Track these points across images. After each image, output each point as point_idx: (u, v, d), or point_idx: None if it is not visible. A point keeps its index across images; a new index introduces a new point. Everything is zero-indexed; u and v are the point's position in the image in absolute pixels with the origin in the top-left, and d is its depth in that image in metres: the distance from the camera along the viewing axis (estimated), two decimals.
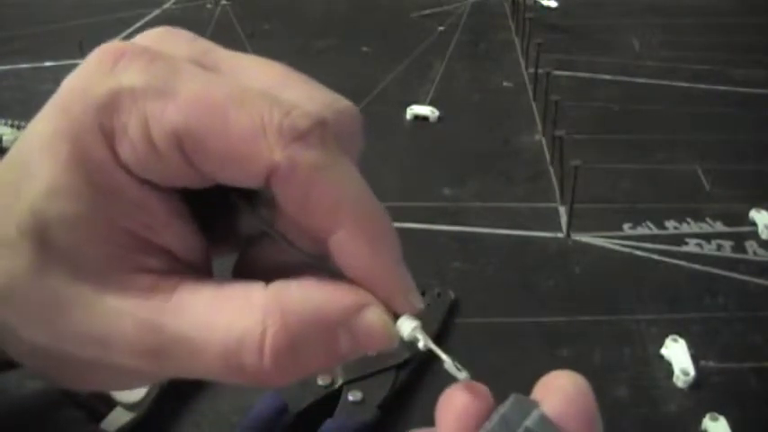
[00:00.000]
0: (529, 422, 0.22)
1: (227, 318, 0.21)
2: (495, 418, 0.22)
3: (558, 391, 0.24)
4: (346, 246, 0.22)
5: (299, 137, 0.21)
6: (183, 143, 0.21)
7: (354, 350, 0.22)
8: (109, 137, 0.21)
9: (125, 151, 0.21)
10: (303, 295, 0.22)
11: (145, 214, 0.22)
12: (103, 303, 0.21)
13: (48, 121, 0.21)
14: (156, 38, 0.23)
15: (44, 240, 0.21)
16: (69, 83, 0.22)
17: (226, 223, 0.25)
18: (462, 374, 0.23)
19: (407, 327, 0.23)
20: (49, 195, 0.21)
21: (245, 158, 0.21)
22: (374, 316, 0.22)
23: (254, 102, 0.21)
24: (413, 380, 0.45)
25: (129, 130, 0.21)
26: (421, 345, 0.23)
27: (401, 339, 0.23)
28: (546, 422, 0.22)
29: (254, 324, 0.21)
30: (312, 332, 0.21)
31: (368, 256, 0.22)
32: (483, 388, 0.23)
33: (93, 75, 0.21)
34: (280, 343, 0.21)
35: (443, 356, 0.23)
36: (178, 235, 0.22)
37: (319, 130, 0.21)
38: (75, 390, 0.35)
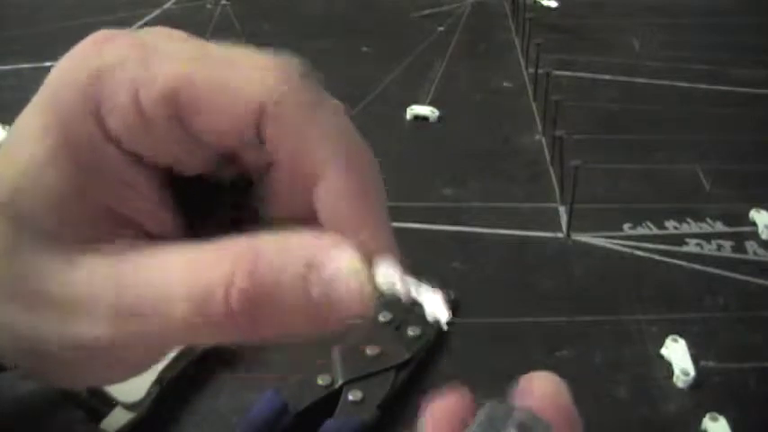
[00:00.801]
0: (521, 416, 0.21)
1: (197, 268, 0.21)
2: (481, 416, 0.21)
3: (536, 391, 0.24)
4: (333, 191, 0.22)
5: (289, 79, 0.22)
6: (173, 103, 0.21)
7: (327, 296, 0.21)
8: (96, 111, 0.21)
9: (113, 122, 0.21)
10: (275, 240, 0.21)
11: (128, 191, 0.22)
12: (76, 270, 0.21)
13: (35, 107, 0.22)
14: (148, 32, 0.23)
15: (20, 216, 0.21)
16: (57, 69, 0.22)
17: (210, 213, 0.25)
18: (444, 315, 0.22)
19: (386, 271, 0.22)
20: (28, 172, 0.21)
21: (236, 103, 0.21)
22: (345, 255, 0.21)
23: (242, 55, 0.22)
24: (413, 380, 0.45)
25: (117, 98, 0.21)
26: (399, 287, 0.22)
27: (380, 292, 0.22)
28: (536, 416, 0.22)
29: (222, 272, 0.20)
30: (282, 275, 0.21)
31: (354, 201, 0.22)
32: (465, 391, 0.23)
33: (81, 59, 0.22)
34: (248, 287, 0.20)
35: (424, 296, 0.22)
36: (158, 217, 0.23)
37: (308, 76, 0.23)
38: (61, 385, 0.34)
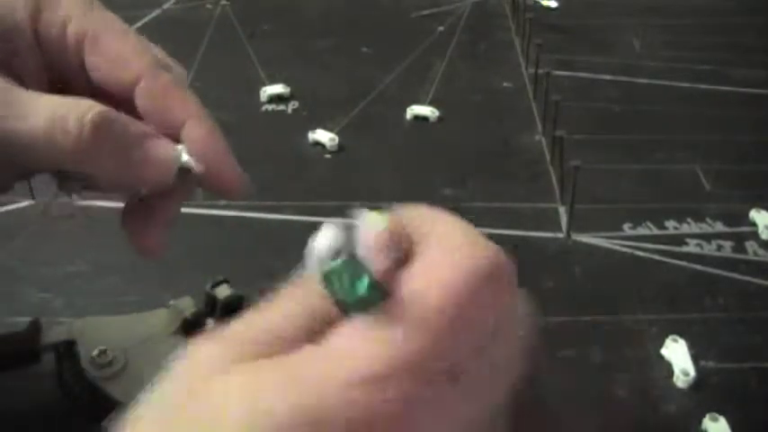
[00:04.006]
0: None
1: (64, 102, 0.30)
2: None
3: (441, 238, 0.24)
4: (193, 130, 0.33)
5: (163, 65, 0.34)
6: (86, 42, 0.32)
7: (145, 155, 0.31)
8: (36, 10, 0.32)
9: (43, 25, 0.32)
10: (128, 116, 0.32)
11: (26, 59, 0.32)
12: None
13: None
14: None
15: None
16: None
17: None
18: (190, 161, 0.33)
19: (185, 154, 0.32)
20: None
21: (124, 68, 0.32)
22: (168, 142, 0.32)
23: (138, 37, 0.34)
24: None
25: (54, 12, 0.32)
26: (185, 158, 0.32)
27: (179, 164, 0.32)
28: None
29: (83, 106, 0.30)
30: (124, 129, 0.31)
31: (208, 137, 0.33)
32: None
33: None
34: (100, 120, 0.29)
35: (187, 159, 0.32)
36: (40, 80, 0.33)
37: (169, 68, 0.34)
38: None
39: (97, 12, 0.33)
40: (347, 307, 0.21)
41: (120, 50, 0.32)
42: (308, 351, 0.21)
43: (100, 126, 0.29)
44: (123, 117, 0.31)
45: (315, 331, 0.21)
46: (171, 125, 0.32)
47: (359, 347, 0.20)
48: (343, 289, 0.21)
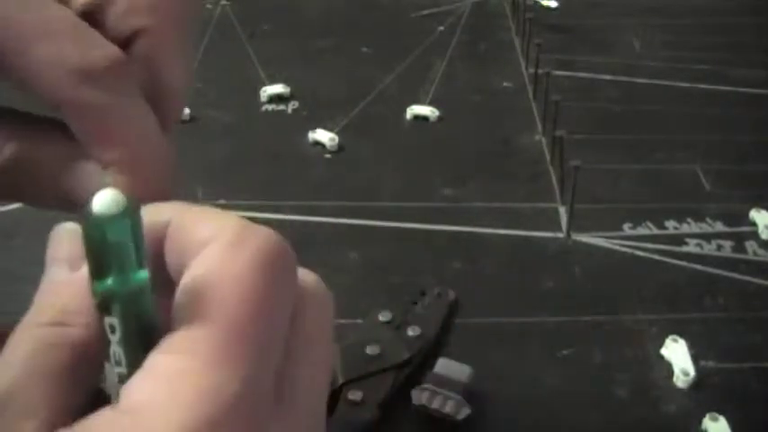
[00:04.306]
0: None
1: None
2: None
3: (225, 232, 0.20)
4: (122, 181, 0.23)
5: (91, 78, 0.22)
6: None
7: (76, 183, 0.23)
8: None
9: None
10: None
11: None
12: None
13: None
14: None
15: None
16: None
17: None
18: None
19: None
20: None
21: (42, 86, 0.22)
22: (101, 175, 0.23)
23: (59, 35, 0.22)
24: (413, 380, 0.45)
25: None
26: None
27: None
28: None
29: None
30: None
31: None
32: None
33: None
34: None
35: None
36: None
37: (115, 72, 0.23)
38: None
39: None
40: (113, 298, 0.18)
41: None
42: (102, 422, 0.17)
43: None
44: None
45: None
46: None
47: (170, 401, 0.17)
48: (122, 269, 0.17)
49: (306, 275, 0.22)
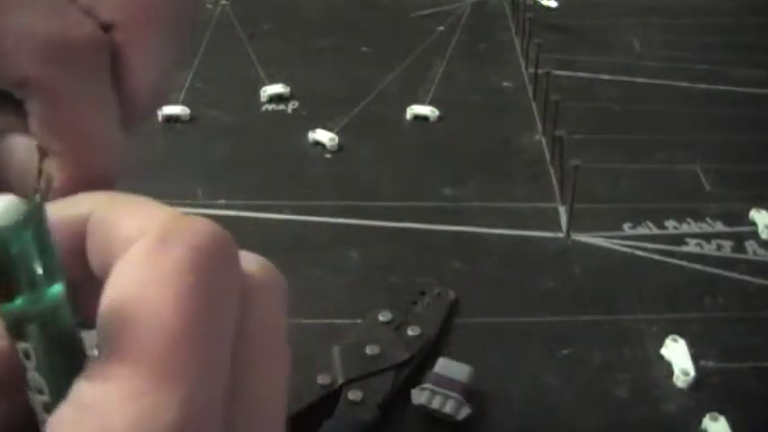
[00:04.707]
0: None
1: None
2: None
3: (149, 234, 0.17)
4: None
5: (66, 55, 0.20)
6: None
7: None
8: None
9: None
10: None
11: None
12: None
13: None
14: None
15: None
16: None
17: None
18: None
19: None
20: None
21: (8, 58, 0.20)
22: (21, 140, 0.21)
23: (35, 3, 0.20)
24: (413, 380, 0.45)
25: None
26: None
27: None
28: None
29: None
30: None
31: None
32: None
33: None
34: None
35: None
36: None
37: (91, 52, 0.21)
38: None
39: None
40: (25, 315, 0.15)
41: None
42: None
43: None
44: None
45: None
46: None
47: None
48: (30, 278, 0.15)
49: (252, 262, 0.19)
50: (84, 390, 0.16)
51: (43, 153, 0.21)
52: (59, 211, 0.18)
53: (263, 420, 0.19)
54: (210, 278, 0.17)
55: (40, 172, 0.21)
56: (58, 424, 0.16)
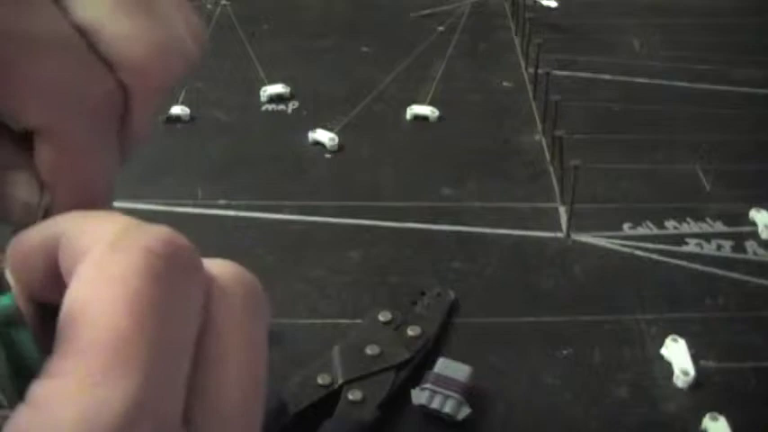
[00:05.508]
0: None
1: None
2: None
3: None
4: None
5: (85, 111, 0.20)
6: None
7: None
8: None
9: None
10: None
11: None
12: None
13: None
14: None
15: None
16: None
17: None
18: None
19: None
20: None
21: (23, 105, 0.20)
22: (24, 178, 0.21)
23: (58, 52, 0.19)
24: (413, 380, 0.45)
25: None
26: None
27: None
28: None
29: None
30: None
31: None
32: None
33: None
34: None
35: None
36: None
37: (109, 110, 0.21)
38: None
39: None
40: None
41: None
42: None
43: None
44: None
45: None
46: None
47: (50, 430, 0.16)
48: None
49: (221, 267, 0.20)
50: (36, 389, 0.16)
51: (44, 188, 0.21)
52: (36, 234, 0.19)
53: (231, 419, 0.18)
54: (162, 279, 0.17)
55: (40, 207, 0.21)
56: (14, 426, 0.16)
